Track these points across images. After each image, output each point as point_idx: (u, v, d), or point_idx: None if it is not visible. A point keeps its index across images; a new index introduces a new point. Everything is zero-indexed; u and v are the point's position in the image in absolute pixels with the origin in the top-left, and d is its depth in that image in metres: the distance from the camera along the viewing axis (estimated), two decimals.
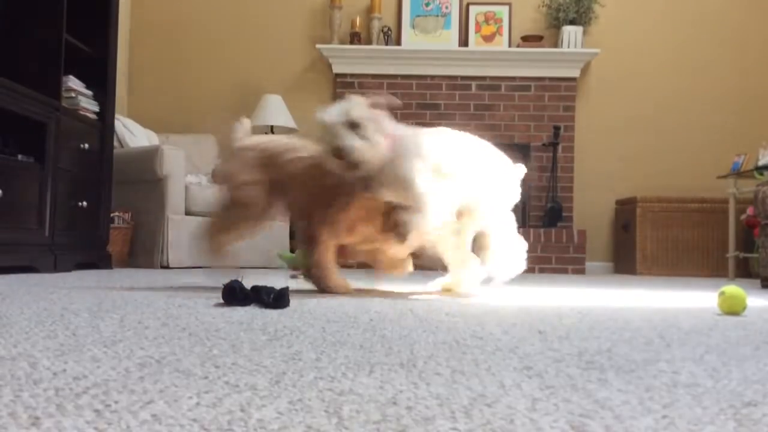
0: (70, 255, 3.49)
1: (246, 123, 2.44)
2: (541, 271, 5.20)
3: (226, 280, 1.79)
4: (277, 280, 2.95)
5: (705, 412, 0.71)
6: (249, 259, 4.70)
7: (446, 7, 5.72)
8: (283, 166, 2.28)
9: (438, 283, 2.62)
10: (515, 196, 2.53)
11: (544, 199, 5.50)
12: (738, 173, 4.75)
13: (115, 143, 4.41)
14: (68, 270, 3.44)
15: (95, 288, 2.30)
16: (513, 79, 5.63)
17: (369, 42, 5.72)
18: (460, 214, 2.40)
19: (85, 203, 3.61)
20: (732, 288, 1.91)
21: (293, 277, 3.39)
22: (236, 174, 2.26)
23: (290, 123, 5.39)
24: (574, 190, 5.63)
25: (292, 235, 5.09)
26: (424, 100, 5.65)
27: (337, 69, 5.67)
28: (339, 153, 2.02)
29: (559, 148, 5.53)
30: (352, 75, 5.68)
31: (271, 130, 5.44)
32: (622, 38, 5.79)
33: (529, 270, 5.26)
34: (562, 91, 5.63)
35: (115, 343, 1.08)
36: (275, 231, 4.89)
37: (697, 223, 5.30)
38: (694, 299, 2.51)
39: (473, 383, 0.83)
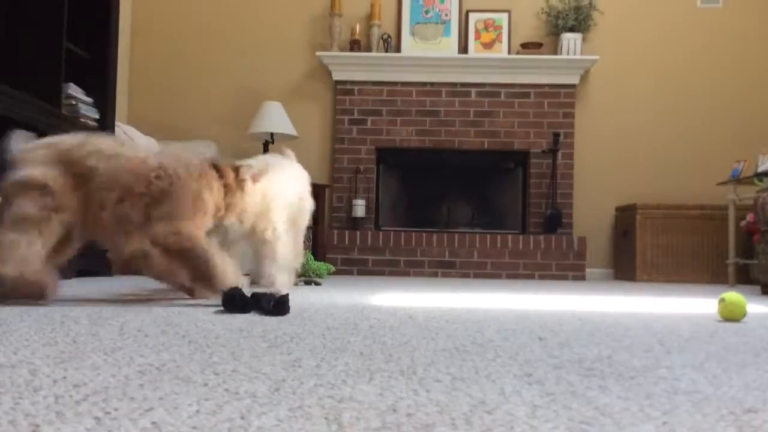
0: (70, 262, 3.48)
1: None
2: (541, 277, 5.20)
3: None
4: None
5: (705, 418, 0.71)
6: (249, 265, 4.69)
7: (446, 15, 5.74)
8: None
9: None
10: None
11: (544, 205, 5.50)
12: (738, 180, 4.75)
13: None
14: (68, 277, 3.44)
15: (95, 295, 2.29)
16: (512, 85, 5.65)
17: (369, 49, 5.73)
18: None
19: None
20: (732, 294, 1.91)
21: (294, 284, 3.39)
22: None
23: (290, 130, 5.39)
24: (573, 196, 5.64)
25: None
26: (423, 107, 5.66)
27: (337, 76, 5.68)
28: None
29: (559, 154, 5.54)
30: (352, 82, 5.69)
31: (272, 137, 5.45)
32: (621, 45, 5.81)
33: (529, 276, 5.29)
34: (562, 98, 5.64)
35: (115, 351, 1.08)
36: None
37: (697, 230, 5.30)
38: (694, 306, 2.51)
39: (473, 390, 0.83)
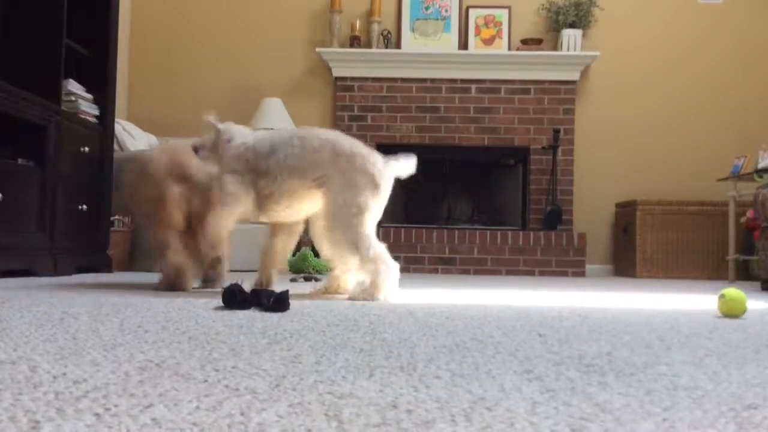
0: (70, 259, 3.49)
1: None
2: (541, 274, 5.21)
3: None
4: (277, 284, 2.95)
5: (705, 415, 0.71)
6: (249, 262, 4.69)
7: (446, 11, 5.73)
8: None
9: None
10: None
11: (544, 202, 5.50)
12: (738, 176, 4.75)
13: (115, 147, 4.40)
14: (68, 274, 3.44)
15: (95, 292, 2.30)
16: (513, 82, 5.64)
17: (369, 45, 5.72)
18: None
19: (85, 207, 3.61)
20: (732, 291, 1.91)
21: (293, 280, 3.40)
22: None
23: (290, 126, 5.39)
24: (573, 193, 5.64)
25: None
26: (423, 104, 5.66)
27: (337, 72, 5.68)
28: None
29: (559, 151, 5.53)
30: (352, 78, 5.68)
31: None
32: (621, 41, 5.80)
33: (529, 273, 5.29)
34: (562, 94, 5.64)
35: (115, 347, 1.08)
36: None
37: (697, 226, 5.30)
38: (694, 302, 2.51)
39: (473, 386, 0.83)
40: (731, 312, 1.88)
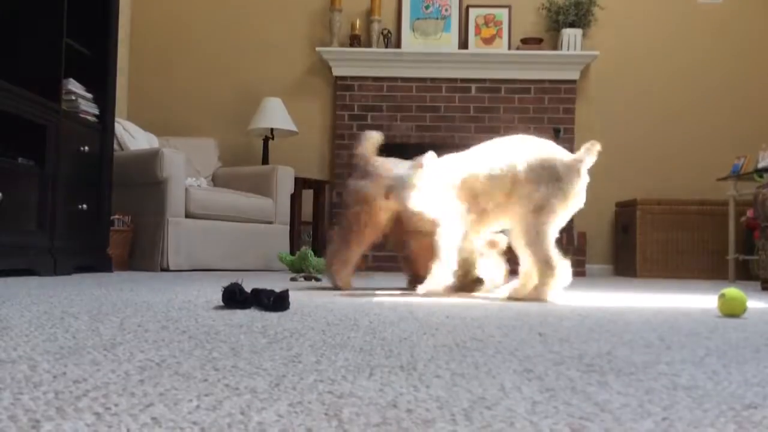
0: (70, 258, 3.49)
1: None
2: None
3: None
4: (277, 283, 2.95)
5: (705, 414, 0.71)
6: (249, 261, 4.70)
7: (446, 10, 5.73)
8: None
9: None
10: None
11: None
12: (738, 175, 4.75)
13: (115, 146, 4.41)
14: (68, 273, 3.44)
15: (95, 291, 2.30)
16: (513, 81, 5.64)
17: (369, 45, 5.72)
18: None
19: (85, 206, 3.61)
20: (732, 290, 1.91)
21: (293, 279, 3.40)
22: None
23: (290, 126, 5.39)
24: None
25: (291, 238, 5.09)
26: (423, 103, 5.66)
27: (337, 72, 5.68)
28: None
29: None
30: (352, 78, 5.68)
31: (271, 132, 5.45)
32: (621, 41, 5.80)
33: None
34: (562, 94, 5.64)
35: (114, 346, 1.08)
36: (276, 233, 4.89)
37: (697, 226, 5.31)
38: (694, 301, 2.51)
39: (473, 386, 0.83)
40: (731, 311, 1.88)
